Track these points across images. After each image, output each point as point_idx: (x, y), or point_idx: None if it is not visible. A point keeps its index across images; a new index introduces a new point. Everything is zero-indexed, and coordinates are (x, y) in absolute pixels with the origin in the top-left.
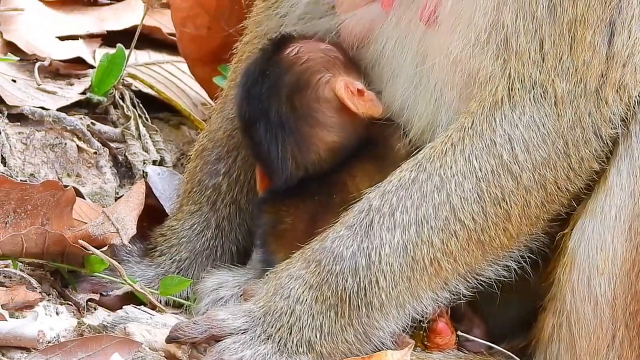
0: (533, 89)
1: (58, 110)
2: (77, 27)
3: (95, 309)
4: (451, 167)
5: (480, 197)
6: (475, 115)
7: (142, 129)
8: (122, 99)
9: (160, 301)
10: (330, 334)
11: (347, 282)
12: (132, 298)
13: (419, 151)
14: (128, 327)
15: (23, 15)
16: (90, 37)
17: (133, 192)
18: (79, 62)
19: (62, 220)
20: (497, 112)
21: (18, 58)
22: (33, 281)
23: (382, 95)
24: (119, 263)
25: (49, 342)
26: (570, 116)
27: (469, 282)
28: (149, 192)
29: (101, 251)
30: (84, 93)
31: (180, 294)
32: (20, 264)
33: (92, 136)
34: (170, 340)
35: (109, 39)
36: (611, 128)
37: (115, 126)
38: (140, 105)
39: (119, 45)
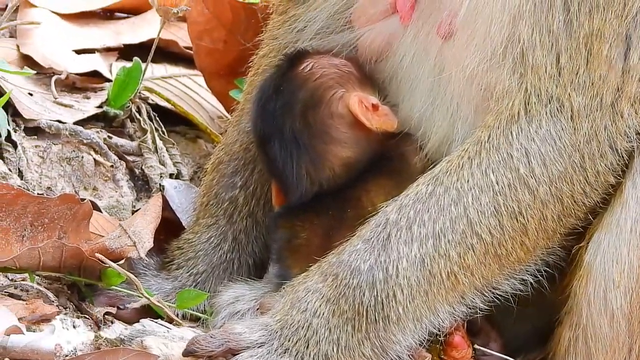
0: (549, 103)
1: (75, 123)
2: (94, 41)
3: (112, 322)
4: (468, 181)
5: (497, 211)
6: (492, 129)
7: (159, 142)
8: (139, 112)
9: (177, 314)
10: (347, 347)
11: (364, 295)
12: (149, 311)
13: (435, 165)
14: (145, 340)
15: (39, 29)
16: (107, 50)
17: (150, 205)
18: (95, 76)
19: (79, 233)
20: (513, 125)
21: (35, 71)
22: (50, 294)
23: (398, 109)
24: (135, 276)
25: (66, 355)
26: (586, 130)
27: (486, 296)
28: (166, 205)
29: (118, 264)
30: (100, 106)
31: (197, 307)
32: (37, 277)
33: (109, 149)
34: (187, 353)
35: (125, 52)
36: (627, 141)
37: (132, 139)
38: (157, 118)
39: (136, 58)
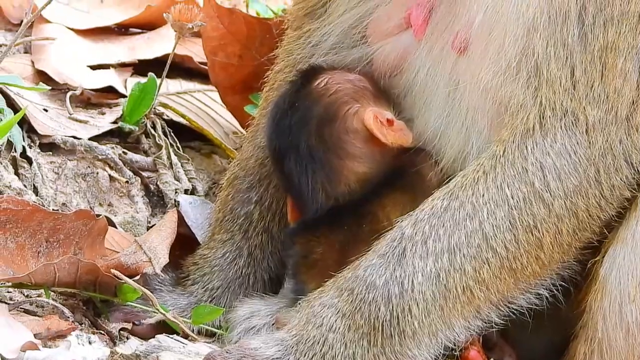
0: (564, 116)
1: (90, 139)
2: (109, 56)
3: (127, 338)
4: (483, 195)
5: (513, 225)
6: (506, 143)
7: (174, 158)
8: (154, 128)
9: (193, 330)
10: None
11: (379, 310)
12: (164, 327)
13: (450, 179)
14: (161, 356)
15: (54, 45)
16: (122, 66)
17: (165, 221)
18: (110, 91)
19: (95, 249)
20: (528, 140)
21: (49, 87)
22: (66, 310)
23: (413, 123)
24: (151, 292)
25: None
26: (601, 144)
27: (501, 310)
28: (181, 221)
29: (133, 280)
30: (115, 122)
31: (212, 322)
32: (52, 293)
33: (124, 165)
34: None
35: (140, 67)
36: None
37: (147, 155)
38: (172, 134)
39: (151, 74)
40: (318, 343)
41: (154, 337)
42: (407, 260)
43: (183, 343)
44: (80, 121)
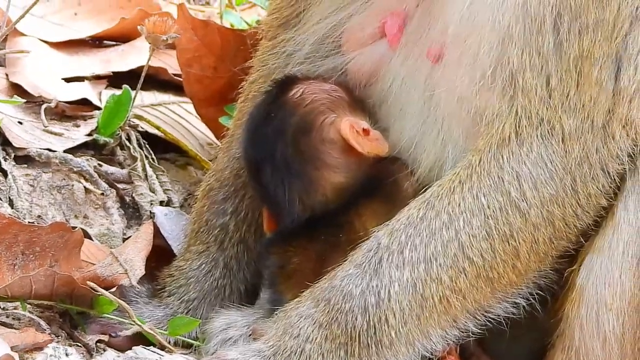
0: (540, 125)
1: (65, 151)
2: (83, 69)
3: (104, 350)
4: (459, 205)
5: (489, 234)
6: (482, 153)
7: (149, 170)
8: (129, 140)
9: (170, 341)
10: None
11: (356, 320)
12: (141, 339)
13: (427, 189)
14: None
15: (29, 57)
16: (96, 78)
17: (141, 232)
18: (85, 104)
19: (71, 261)
20: (504, 149)
21: (24, 100)
22: (42, 323)
23: (389, 133)
24: (127, 304)
25: None
26: (577, 152)
27: (478, 319)
28: (157, 232)
29: (110, 292)
30: (90, 134)
31: (189, 334)
32: (29, 305)
33: (99, 177)
34: None
35: (114, 80)
36: (618, 164)
37: (122, 167)
38: (147, 146)
39: (125, 86)
40: (295, 353)
41: (130, 348)
42: (384, 270)
43: (160, 354)
44: (55, 133)
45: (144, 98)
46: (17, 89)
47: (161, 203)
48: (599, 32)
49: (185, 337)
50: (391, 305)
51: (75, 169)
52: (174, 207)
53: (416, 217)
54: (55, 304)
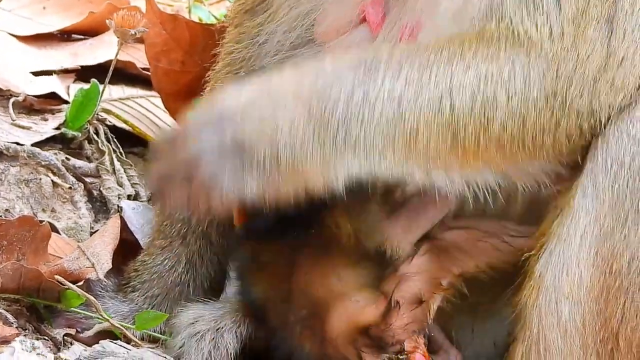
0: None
1: (33, 145)
2: (51, 63)
3: (71, 344)
4: (469, 57)
5: (475, 94)
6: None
7: (117, 164)
8: (97, 133)
9: (136, 336)
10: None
11: (337, 107)
12: (108, 333)
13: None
14: None
15: None
16: (65, 72)
17: (108, 226)
18: (53, 98)
19: (38, 255)
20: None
21: None
22: (9, 316)
23: None
24: (94, 298)
25: None
26: (571, 91)
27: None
28: (124, 226)
29: (77, 286)
30: (58, 128)
31: (155, 328)
32: None
33: (67, 171)
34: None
35: (83, 74)
36: (591, 126)
37: (90, 161)
38: (115, 140)
39: (93, 80)
40: (266, 115)
41: (97, 342)
42: (379, 75)
43: (127, 348)
44: (23, 127)
45: (112, 92)
46: None
47: (129, 197)
48: None
49: (152, 332)
50: (373, 109)
51: (43, 163)
52: (141, 201)
53: (416, 48)
54: (23, 297)
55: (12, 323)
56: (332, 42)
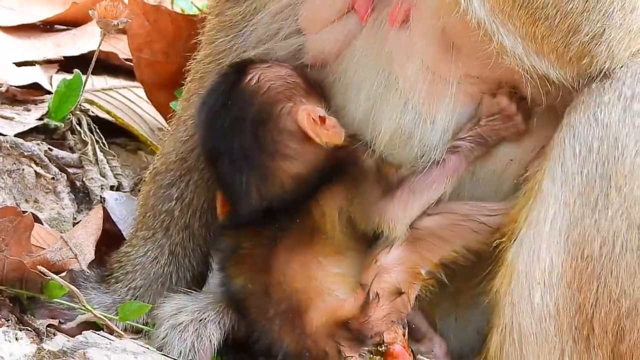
0: None
1: (15, 136)
2: (34, 53)
3: (54, 335)
4: None
5: None
6: None
7: (100, 155)
8: (80, 124)
9: (119, 327)
10: None
11: None
12: (90, 324)
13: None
14: (88, 352)
15: None
16: (47, 62)
17: (91, 217)
18: (36, 88)
19: (21, 246)
20: None
21: None
22: None
23: (346, 110)
24: (77, 289)
25: None
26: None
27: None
28: (107, 217)
29: (60, 277)
30: (41, 119)
31: (138, 319)
32: None
33: (50, 162)
34: None
35: (65, 64)
36: (581, 73)
37: (73, 152)
38: (98, 130)
39: (76, 70)
40: None
41: (80, 333)
42: None
43: (110, 339)
44: (6, 118)
45: (95, 83)
46: None
47: (112, 188)
48: None
49: (135, 323)
50: None
51: (25, 153)
52: (124, 192)
53: None
54: (5, 288)
55: None
56: (317, 33)
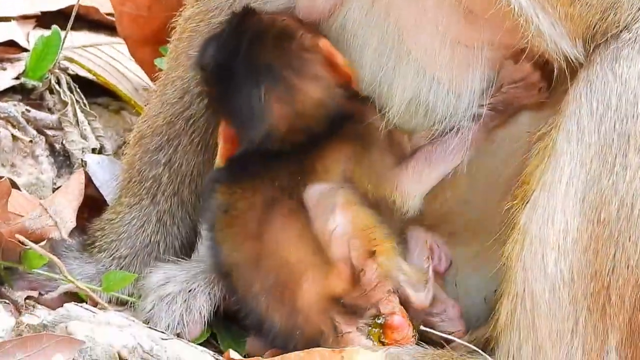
0: None
1: None
2: (9, 8)
3: (34, 307)
4: None
5: None
6: None
7: (80, 115)
8: (59, 83)
9: (103, 299)
10: None
11: None
12: (72, 296)
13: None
14: (69, 325)
15: None
16: (24, 18)
17: (71, 182)
18: (11, 45)
19: None
20: None
21: None
22: None
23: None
24: (58, 258)
25: None
26: None
27: None
28: (89, 182)
29: (39, 246)
30: (17, 78)
31: (123, 290)
32: None
33: (28, 124)
34: None
35: (43, 20)
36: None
37: (52, 113)
38: (78, 90)
39: (54, 26)
40: None
41: (62, 306)
42: None
43: (93, 312)
44: None
45: (75, 39)
46: None
47: (93, 150)
48: None
49: (120, 294)
50: None
51: (2, 115)
52: (106, 155)
53: None
54: None
55: None
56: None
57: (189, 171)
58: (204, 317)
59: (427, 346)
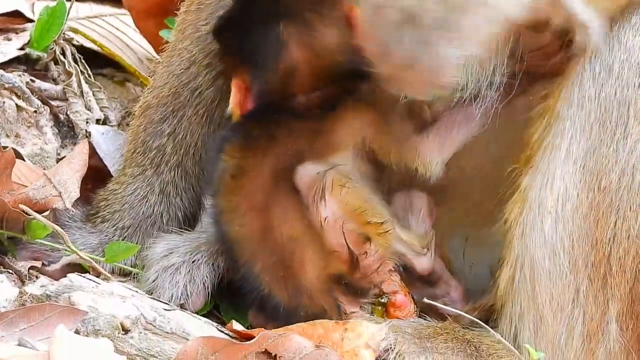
0: None
1: None
2: None
3: (37, 278)
4: None
5: None
6: None
7: (85, 86)
8: (63, 54)
9: (106, 269)
10: None
11: None
12: (75, 266)
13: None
14: (73, 296)
15: None
16: None
17: (76, 152)
18: (17, 16)
19: (1, 183)
20: None
21: None
22: None
23: None
24: (61, 228)
25: None
26: None
27: None
28: (93, 152)
29: (43, 216)
30: (22, 48)
31: (126, 261)
32: None
33: (32, 94)
34: None
35: None
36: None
37: (56, 83)
38: (83, 60)
39: None
40: None
41: (65, 276)
42: None
43: (96, 282)
44: None
45: (80, 10)
46: None
47: (97, 121)
48: None
49: (123, 265)
50: None
51: (6, 85)
52: (111, 126)
53: None
54: None
55: None
56: None
57: (193, 142)
58: (208, 288)
59: (429, 319)
